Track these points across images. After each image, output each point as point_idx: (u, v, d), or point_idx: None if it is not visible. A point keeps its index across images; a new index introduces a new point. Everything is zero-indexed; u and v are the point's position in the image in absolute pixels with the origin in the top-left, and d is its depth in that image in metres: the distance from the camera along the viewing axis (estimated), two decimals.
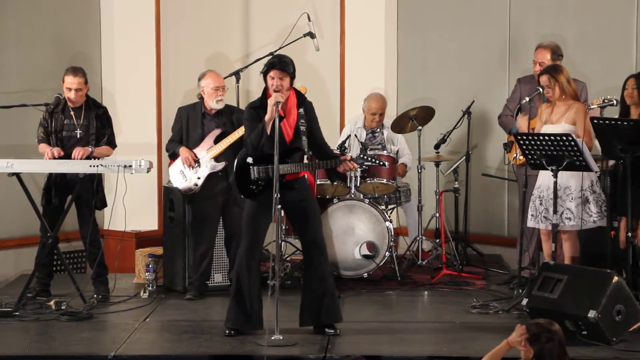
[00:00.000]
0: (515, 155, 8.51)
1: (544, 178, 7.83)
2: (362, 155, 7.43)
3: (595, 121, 7.51)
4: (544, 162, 7.54)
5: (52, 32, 9.49)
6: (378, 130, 9.54)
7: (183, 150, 8.44)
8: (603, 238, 7.74)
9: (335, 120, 10.28)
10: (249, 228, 7.19)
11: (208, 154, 8.40)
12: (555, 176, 7.56)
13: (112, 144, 8.40)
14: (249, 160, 7.16)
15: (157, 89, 9.77)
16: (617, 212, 7.73)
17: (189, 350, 6.98)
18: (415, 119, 9.26)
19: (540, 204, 7.84)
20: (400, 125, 9.36)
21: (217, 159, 8.40)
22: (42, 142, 8.27)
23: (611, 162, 7.91)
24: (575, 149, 7.38)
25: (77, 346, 7.06)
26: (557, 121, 7.84)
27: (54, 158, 8.10)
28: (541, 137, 7.51)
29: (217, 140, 8.43)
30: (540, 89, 8.27)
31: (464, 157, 9.38)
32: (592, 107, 7.88)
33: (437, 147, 9.34)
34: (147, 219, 9.71)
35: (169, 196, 8.77)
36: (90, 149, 8.18)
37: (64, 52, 9.47)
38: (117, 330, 7.47)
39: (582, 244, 7.98)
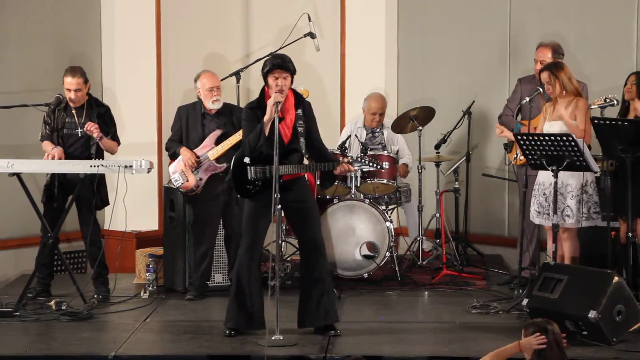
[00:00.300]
0: (515, 155, 8.51)
1: (546, 175, 7.82)
2: (359, 158, 7.42)
3: (595, 121, 7.51)
4: (544, 162, 7.54)
5: (52, 32, 9.49)
6: (378, 130, 9.55)
7: (184, 151, 8.43)
8: (603, 238, 7.75)
9: (336, 120, 10.28)
10: (249, 228, 7.19)
11: (209, 155, 8.40)
12: (556, 176, 7.56)
13: (117, 141, 8.40)
14: (246, 160, 7.16)
15: (157, 88, 9.77)
16: (616, 212, 7.74)
17: (189, 350, 6.98)
18: (415, 119, 9.26)
19: (545, 200, 7.83)
20: (401, 125, 9.36)
21: (218, 160, 8.40)
22: (45, 139, 8.28)
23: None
24: (576, 149, 7.38)
25: (78, 346, 7.06)
26: (559, 118, 7.83)
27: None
28: (541, 137, 7.51)
29: (218, 141, 8.43)
30: (541, 89, 8.27)
31: (465, 157, 9.38)
32: (592, 107, 7.88)
33: (437, 147, 9.34)
34: (148, 219, 9.71)
35: (169, 196, 8.77)
36: (101, 134, 8.10)
37: (64, 52, 9.47)
38: (118, 331, 7.47)
39: (582, 244, 7.98)
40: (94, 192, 8.17)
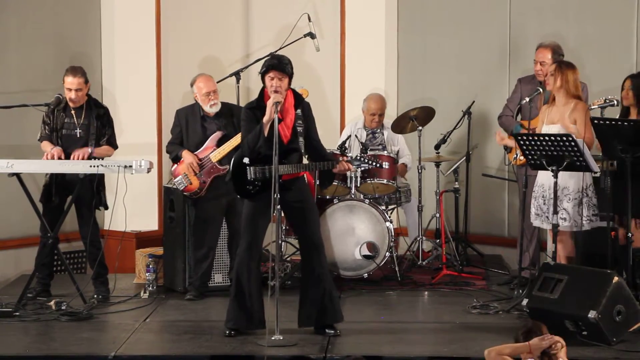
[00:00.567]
0: (515, 155, 8.51)
1: (545, 177, 7.82)
2: (359, 157, 7.42)
3: (595, 121, 7.51)
4: (544, 162, 7.54)
5: (52, 32, 9.49)
6: (378, 130, 9.55)
7: (186, 154, 8.42)
8: (603, 238, 7.74)
9: (336, 121, 10.28)
10: (248, 228, 7.20)
11: (212, 157, 8.39)
12: (556, 176, 7.56)
13: (113, 145, 8.39)
14: (246, 160, 7.16)
15: (157, 89, 9.78)
16: (615, 211, 7.74)
17: (189, 350, 6.98)
18: (415, 119, 9.26)
19: (544, 203, 7.83)
20: (401, 125, 9.36)
21: (220, 162, 8.39)
22: (44, 139, 8.27)
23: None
24: (576, 149, 7.38)
25: (77, 346, 7.06)
26: (558, 120, 7.84)
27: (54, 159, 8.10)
28: (541, 138, 7.51)
29: (219, 143, 8.43)
30: (540, 89, 8.28)
31: (464, 158, 9.38)
32: (592, 107, 7.88)
33: (437, 147, 9.34)
34: (148, 219, 9.71)
35: (169, 196, 8.76)
36: (89, 150, 8.18)
37: (64, 52, 9.47)
38: (118, 331, 7.47)
39: (582, 244, 7.99)
40: (93, 193, 8.17)
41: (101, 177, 8.24)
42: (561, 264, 7.60)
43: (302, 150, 7.23)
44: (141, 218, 9.49)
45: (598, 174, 7.82)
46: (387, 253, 8.75)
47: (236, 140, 8.26)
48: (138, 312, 8.01)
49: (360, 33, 10.25)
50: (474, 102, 9.41)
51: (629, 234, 7.47)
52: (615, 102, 7.83)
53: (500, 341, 6.92)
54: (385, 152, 9.16)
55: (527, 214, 8.14)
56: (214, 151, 8.42)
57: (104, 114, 8.37)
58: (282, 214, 7.29)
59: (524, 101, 8.12)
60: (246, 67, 9.45)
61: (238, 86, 9.16)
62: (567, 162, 7.44)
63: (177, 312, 8.02)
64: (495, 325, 7.44)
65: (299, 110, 7.19)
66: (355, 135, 9.35)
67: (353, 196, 8.87)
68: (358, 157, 7.41)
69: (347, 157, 7.43)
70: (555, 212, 7.63)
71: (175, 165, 8.51)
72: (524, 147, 7.60)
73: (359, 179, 8.91)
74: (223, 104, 8.55)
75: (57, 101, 8.28)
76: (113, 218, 8.53)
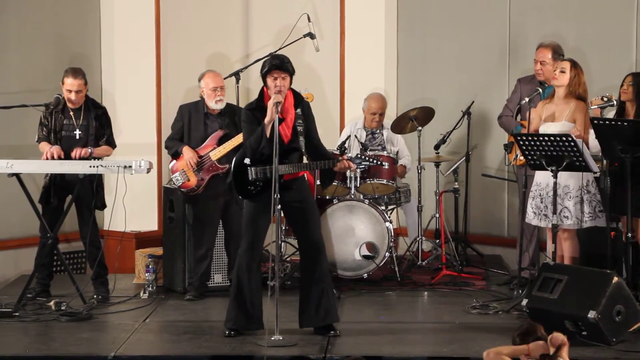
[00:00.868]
0: (515, 155, 8.51)
1: (543, 176, 7.82)
2: (359, 155, 7.42)
3: (595, 122, 7.51)
4: (543, 162, 7.54)
5: (52, 32, 9.49)
6: (378, 131, 9.55)
7: (187, 150, 8.42)
8: (603, 238, 7.74)
9: (335, 121, 10.28)
10: (248, 229, 7.20)
11: (211, 155, 8.40)
12: (555, 177, 7.56)
13: (112, 144, 8.40)
14: (247, 161, 7.16)
15: (157, 89, 9.78)
16: (615, 211, 7.74)
17: (189, 350, 6.98)
18: (415, 119, 9.26)
19: (541, 201, 7.83)
20: (400, 125, 9.36)
21: (220, 160, 8.39)
22: (42, 140, 8.27)
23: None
24: (575, 149, 7.38)
25: (77, 347, 7.06)
26: (557, 118, 7.84)
27: (53, 158, 8.10)
28: (541, 138, 7.51)
29: (220, 141, 8.43)
30: (540, 89, 8.28)
31: (464, 158, 9.37)
32: (591, 107, 7.87)
33: (437, 147, 9.34)
34: (147, 220, 9.71)
35: (168, 196, 8.77)
36: (89, 150, 8.17)
37: (64, 52, 9.47)
38: (117, 331, 7.47)
39: (582, 244, 7.98)
40: (93, 193, 8.17)
41: (100, 177, 8.24)
42: (561, 264, 7.60)
43: (303, 150, 7.23)
44: (141, 218, 9.49)
45: (598, 174, 7.82)
46: (387, 253, 8.75)
47: (237, 140, 8.27)
48: (138, 312, 8.01)
49: (360, 33, 10.25)
50: (473, 102, 9.40)
51: (629, 234, 7.47)
52: (615, 101, 7.82)
53: (500, 341, 6.92)
54: (385, 152, 9.16)
55: (526, 212, 8.14)
56: (214, 149, 8.42)
57: (102, 114, 8.38)
58: (282, 214, 7.29)
59: (524, 101, 8.12)
60: (246, 68, 9.45)
61: (238, 86, 9.16)
62: (566, 162, 7.44)
63: (176, 313, 8.02)
64: (494, 326, 7.44)
65: (299, 110, 7.20)
66: (355, 136, 9.34)
67: (353, 196, 8.87)
68: (358, 156, 7.41)
69: (347, 156, 7.42)
70: (555, 212, 7.63)
71: (174, 161, 8.51)
72: (524, 147, 7.60)
73: (358, 179, 8.91)
74: (227, 104, 8.55)
75: (57, 101, 8.28)
76: (113, 218, 8.53)
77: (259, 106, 7.17)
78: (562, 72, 7.83)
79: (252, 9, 10.42)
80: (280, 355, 6.81)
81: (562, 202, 7.73)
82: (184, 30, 9.95)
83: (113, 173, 8.05)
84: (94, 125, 8.28)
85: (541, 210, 7.84)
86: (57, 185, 8.22)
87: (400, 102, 10.30)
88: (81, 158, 8.14)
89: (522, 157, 8.02)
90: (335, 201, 8.79)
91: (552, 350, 5.38)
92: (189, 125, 8.52)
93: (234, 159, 7.30)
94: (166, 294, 8.55)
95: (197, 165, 8.40)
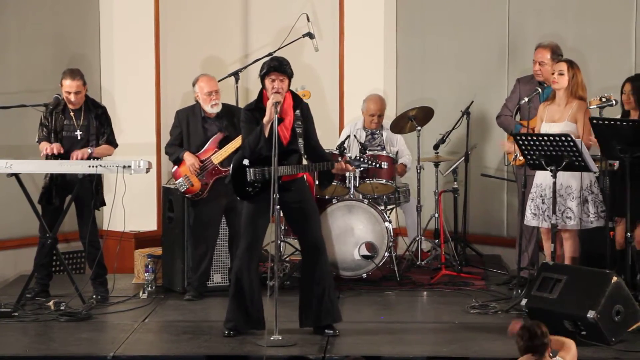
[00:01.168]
0: (515, 155, 8.51)
1: (544, 176, 7.82)
2: (357, 157, 7.42)
3: (594, 121, 7.51)
4: (543, 162, 7.54)
5: (52, 32, 9.49)
6: (377, 131, 9.55)
7: (188, 156, 8.41)
8: (603, 238, 7.75)
9: (335, 121, 10.28)
10: (247, 229, 7.20)
11: (213, 159, 8.39)
12: (554, 176, 7.56)
13: (112, 143, 8.39)
14: (245, 162, 7.17)
15: (156, 89, 9.77)
16: (615, 212, 7.74)
17: (188, 350, 6.98)
18: (414, 119, 9.26)
19: (543, 202, 7.83)
20: (400, 125, 9.36)
21: (222, 163, 8.38)
22: (42, 140, 8.27)
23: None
24: (575, 149, 7.38)
25: (76, 347, 7.06)
26: (559, 119, 7.84)
27: (53, 154, 8.10)
28: (540, 138, 7.51)
29: (221, 144, 8.42)
30: (539, 90, 8.28)
31: (463, 158, 9.37)
32: (590, 107, 7.87)
33: (436, 147, 9.33)
34: (146, 220, 9.71)
35: (168, 197, 8.76)
36: (89, 151, 8.17)
37: (63, 53, 9.47)
38: (116, 331, 7.47)
39: (582, 244, 7.98)
40: (92, 193, 8.17)
41: (99, 176, 8.24)
42: (560, 264, 7.60)
43: (302, 151, 7.24)
44: (140, 218, 9.49)
45: (597, 174, 7.82)
46: (386, 253, 8.75)
47: (237, 142, 8.24)
48: (137, 312, 8.00)
49: (359, 33, 10.25)
50: (472, 102, 9.40)
51: (628, 234, 7.47)
52: (614, 101, 7.82)
53: (500, 341, 6.95)
54: (385, 152, 9.16)
55: (525, 213, 8.14)
56: (215, 153, 8.41)
57: (102, 113, 8.37)
58: (282, 214, 7.29)
59: (523, 101, 8.12)
60: (245, 68, 9.45)
61: (237, 86, 9.16)
62: (565, 162, 7.44)
63: (176, 313, 8.02)
64: (494, 326, 7.44)
65: (297, 111, 7.20)
66: (355, 136, 9.34)
67: (352, 196, 8.87)
68: (357, 157, 7.41)
69: (346, 157, 7.42)
70: (554, 212, 7.63)
71: (176, 167, 8.50)
72: (523, 147, 7.61)
73: (358, 179, 8.91)
74: (223, 105, 8.54)
75: (56, 102, 8.28)
76: (112, 218, 8.52)
77: (258, 107, 7.18)
78: (561, 74, 7.84)
79: (251, 9, 10.42)
80: (280, 355, 6.81)
81: (564, 202, 7.73)
82: (183, 30, 9.95)
83: (112, 173, 8.04)
84: (95, 125, 8.28)
85: (543, 211, 7.84)
86: (58, 185, 8.22)
87: (400, 102, 10.30)
88: (87, 143, 8.16)
89: (521, 157, 8.02)
90: (334, 201, 8.79)
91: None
92: (188, 130, 8.50)
93: (233, 160, 7.31)
94: (165, 294, 8.55)
95: (200, 169, 8.38)
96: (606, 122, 7.49)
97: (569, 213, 7.73)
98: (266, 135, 7.03)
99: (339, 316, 7.27)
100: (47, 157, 8.17)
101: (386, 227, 8.74)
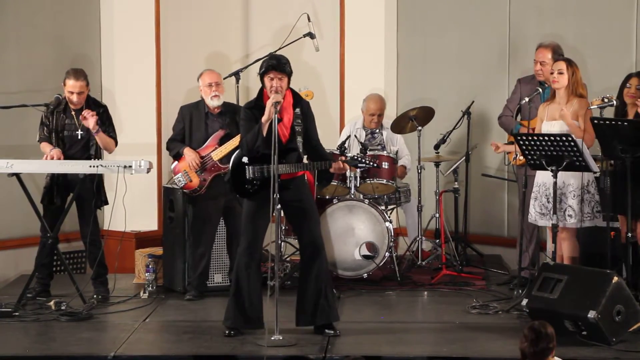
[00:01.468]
0: (515, 155, 8.51)
1: (545, 176, 7.82)
2: (355, 157, 7.42)
3: (595, 121, 7.51)
4: (543, 162, 7.54)
5: (52, 32, 9.49)
6: (377, 130, 9.55)
7: (188, 152, 8.42)
8: (603, 238, 7.74)
9: (335, 121, 10.28)
10: (247, 228, 7.20)
11: (213, 155, 8.40)
12: (555, 177, 7.56)
13: (114, 140, 8.40)
14: (245, 159, 7.17)
15: (157, 89, 9.78)
16: (615, 212, 7.73)
17: (188, 350, 6.98)
18: (415, 119, 9.26)
19: (548, 201, 7.82)
20: (400, 125, 9.36)
21: (221, 160, 8.39)
22: (43, 140, 8.27)
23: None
24: (575, 149, 7.38)
25: (77, 346, 7.06)
26: (559, 117, 7.83)
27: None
28: (541, 138, 7.51)
29: (221, 141, 8.43)
30: (540, 89, 8.28)
31: (464, 158, 9.37)
32: (591, 107, 7.87)
33: (436, 147, 9.33)
34: (147, 220, 9.71)
35: (168, 196, 8.77)
36: (97, 122, 8.10)
37: (63, 52, 9.47)
38: (117, 331, 7.47)
39: (582, 244, 7.98)
40: (93, 192, 8.18)
41: (100, 175, 8.24)
42: (561, 264, 7.60)
43: (301, 150, 7.24)
44: (141, 218, 9.49)
45: (598, 174, 7.82)
46: (387, 253, 8.75)
47: (238, 139, 8.26)
48: (137, 312, 8.01)
49: (360, 33, 10.25)
50: (473, 102, 9.40)
51: (629, 234, 7.47)
52: (615, 101, 7.82)
53: (500, 341, 6.95)
54: (385, 152, 9.16)
55: (526, 214, 8.14)
56: (215, 149, 8.42)
57: (103, 112, 8.38)
58: (282, 214, 7.28)
59: (524, 101, 8.12)
60: (245, 67, 9.46)
61: (237, 86, 9.17)
62: (566, 162, 7.44)
63: (176, 312, 8.02)
64: (494, 326, 7.44)
65: (297, 110, 7.20)
66: (355, 135, 9.35)
67: (352, 196, 8.87)
68: (355, 157, 7.40)
69: (346, 156, 7.42)
70: (555, 212, 7.63)
71: (176, 162, 8.51)
72: (524, 147, 7.60)
73: (358, 179, 8.91)
74: (227, 103, 8.57)
75: (57, 101, 8.29)
76: (113, 218, 8.52)
77: (257, 105, 7.18)
78: (560, 73, 7.84)
79: (251, 9, 10.42)
80: (280, 355, 6.81)
81: (565, 200, 7.73)
82: (184, 30, 9.95)
83: (113, 173, 8.05)
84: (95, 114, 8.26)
85: (549, 210, 7.82)
86: (59, 185, 8.22)
87: (400, 101, 10.31)
88: (89, 142, 8.15)
89: (521, 157, 8.02)
90: (335, 201, 8.79)
91: None
92: (190, 125, 8.52)
93: (233, 158, 7.31)
94: (166, 294, 8.55)
95: (199, 165, 8.39)
96: (607, 122, 7.48)
97: (570, 211, 7.73)
98: (264, 134, 7.03)
99: (335, 316, 7.27)
100: None
101: (387, 227, 8.74)
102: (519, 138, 7.64)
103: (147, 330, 7.52)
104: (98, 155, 8.29)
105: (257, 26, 10.38)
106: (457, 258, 9.22)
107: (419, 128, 9.25)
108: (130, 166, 8.00)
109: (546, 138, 7.48)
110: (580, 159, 7.41)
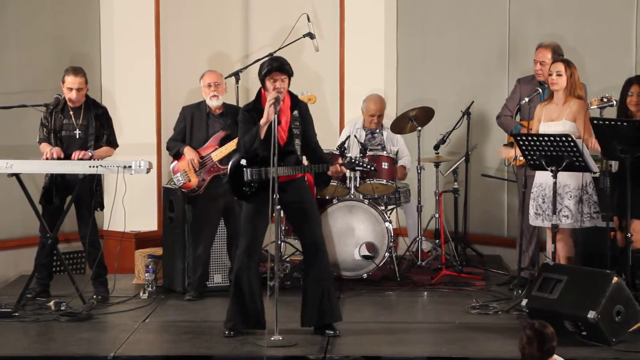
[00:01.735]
0: (515, 156, 8.50)
1: (543, 176, 7.82)
2: (353, 160, 7.40)
3: (595, 122, 7.51)
4: (543, 162, 7.54)
5: (52, 32, 9.49)
6: (377, 131, 9.55)
7: (188, 151, 8.42)
8: (603, 238, 7.74)
9: (335, 121, 10.28)
10: (247, 229, 7.21)
11: (213, 156, 8.39)
12: (555, 177, 7.56)
13: (113, 144, 8.40)
14: (243, 162, 7.18)
15: (156, 89, 9.78)
16: (615, 212, 7.73)
17: (188, 350, 6.98)
18: (414, 119, 9.26)
19: (543, 202, 7.83)
20: (400, 125, 9.36)
21: (221, 161, 8.39)
22: (43, 141, 8.27)
23: (611, 162, 7.91)
24: (575, 149, 7.38)
25: (77, 347, 7.06)
26: (557, 118, 7.84)
27: (53, 159, 8.10)
28: (540, 138, 7.51)
29: (222, 142, 8.43)
30: (540, 89, 8.28)
31: (464, 158, 9.37)
32: (591, 107, 7.87)
33: (436, 147, 9.33)
34: (147, 220, 9.71)
35: (168, 197, 8.77)
36: (89, 154, 8.16)
37: (63, 52, 9.47)
38: (117, 331, 7.47)
39: (581, 244, 7.99)
40: (93, 193, 8.17)
41: (99, 178, 8.24)
42: (560, 264, 7.60)
43: (299, 153, 7.23)
44: (140, 218, 9.49)
45: (597, 174, 7.82)
46: (387, 253, 8.75)
47: None
48: (137, 312, 8.01)
49: (360, 33, 10.25)
50: (473, 102, 9.40)
51: (628, 235, 7.47)
52: (614, 102, 7.82)
53: (500, 341, 6.95)
54: (385, 152, 9.16)
55: (526, 215, 8.14)
56: (215, 150, 8.43)
57: (103, 113, 8.38)
58: (282, 214, 7.28)
59: (524, 101, 8.12)
60: (245, 68, 9.46)
61: (237, 86, 9.17)
62: (566, 163, 7.44)
63: (176, 313, 8.02)
64: (494, 326, 7.44)
65: (295, 112, 7.20)
66: (355, 136, 9.35)
67: (352, 196, 8.87)
68: (352, 160, 7.37)
69: (344, 158, 7.42)
70: (554, 212, 7.63)
71: (175, 161, 8.52)
72: (523, 148, 7.61)
73: (358, 179, 8.91)
74: (228, 105, 8.58)
75: (56, 102, 8.29)
76: (112, 218, 8.52)
77: (255, 107, 7.19)
78: (559, 75, 7.84)
79: (251, 9, 10.42)
80: (280, 356, 6.81)
81: (562, 201, 7.73)
82: (183, 30, 9.95)
83: (113, 173, 8.04)
84: (94, 125, 8.28)
85: (544, 211, 7.84)
86: (58, 185, 8.22)
87: (400, 102, 10.31)
88: (87, 142, 8.17)
89: (521, 158, 8.02)
90: (335, 201, 8.79)
91: None
92: (191, 126, 8.52)
93: (231, 160, 7.31)
94: (166, 294, 8.55)
95: (199, 165, 8.39)
96: (607, 122, 7.48)
97: (566, 212, 7.73)
98: (262, 136, 7.04)
99: (338, 316, 7.27)
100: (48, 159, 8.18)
101: (386, 228, 8.74)
102: (518, 138, 7.64)
103: (147, 331, 7.52)
104: None
105: (257, 26, 10.38)
106: (457, 258, 9.22)
107: (419, 128, 9.25)
108: (129, 166, 8.00)
109: (546, 138, 7.48)
110: (580, 159, 7.41)
